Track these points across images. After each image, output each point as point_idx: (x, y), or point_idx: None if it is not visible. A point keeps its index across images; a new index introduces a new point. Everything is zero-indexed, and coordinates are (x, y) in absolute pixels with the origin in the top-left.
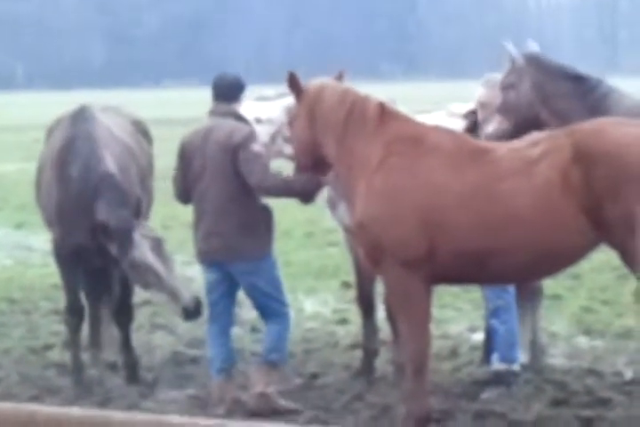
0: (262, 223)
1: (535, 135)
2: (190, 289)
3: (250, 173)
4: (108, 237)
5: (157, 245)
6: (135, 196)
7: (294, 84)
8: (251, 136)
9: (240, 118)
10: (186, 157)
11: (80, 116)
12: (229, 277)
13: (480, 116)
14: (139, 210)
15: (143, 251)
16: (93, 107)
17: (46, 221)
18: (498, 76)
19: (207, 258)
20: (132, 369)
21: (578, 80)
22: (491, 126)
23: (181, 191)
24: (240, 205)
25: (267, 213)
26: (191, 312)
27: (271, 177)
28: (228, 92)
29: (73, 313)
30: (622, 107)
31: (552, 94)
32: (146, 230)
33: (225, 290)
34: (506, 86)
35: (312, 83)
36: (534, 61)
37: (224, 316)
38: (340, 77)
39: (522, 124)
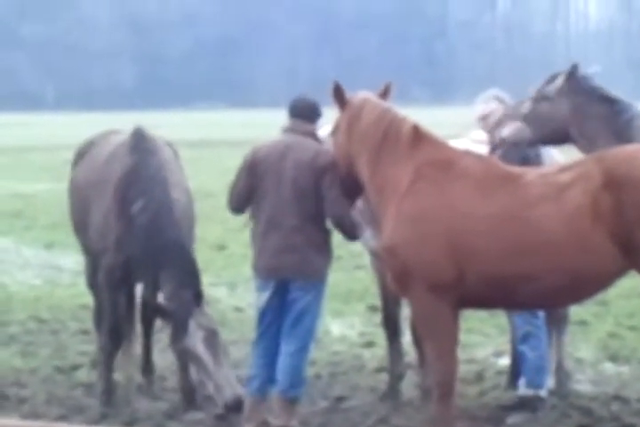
0: (328, 243)
1: (564, 162)
2: (235, 386)
3: (331, 200)
4: (166, 317)
5: (211, 337)
6: (198, 269)
7: (338, 95)
8: (335, 161)
9: (318, 140)
10: (258, 170)
11: (142, 146)
12: (284, 299)
13: (482, 126)
14: (200, 292)
15: (195, 341)
16: (149, 133)
17: (92, 244)
18: (492, 92)
19: (272, 275)
20: (149, 374)
21: (611, 102)
22: (506, 130)
23: (242, 202)
24: (314, 224)
25: (329, 234)
26: (231, 409)
27: (347, 209)
28: (308, 111)
29: (113, 337)
30: None
31: (586, 115)
32: (203, 319)
33: (279, 313)
34: (540, 97)
35: (356, 96)
36: (577, 81)
37: (274, 338)
38: (384, 94)
39: (547, 136)
